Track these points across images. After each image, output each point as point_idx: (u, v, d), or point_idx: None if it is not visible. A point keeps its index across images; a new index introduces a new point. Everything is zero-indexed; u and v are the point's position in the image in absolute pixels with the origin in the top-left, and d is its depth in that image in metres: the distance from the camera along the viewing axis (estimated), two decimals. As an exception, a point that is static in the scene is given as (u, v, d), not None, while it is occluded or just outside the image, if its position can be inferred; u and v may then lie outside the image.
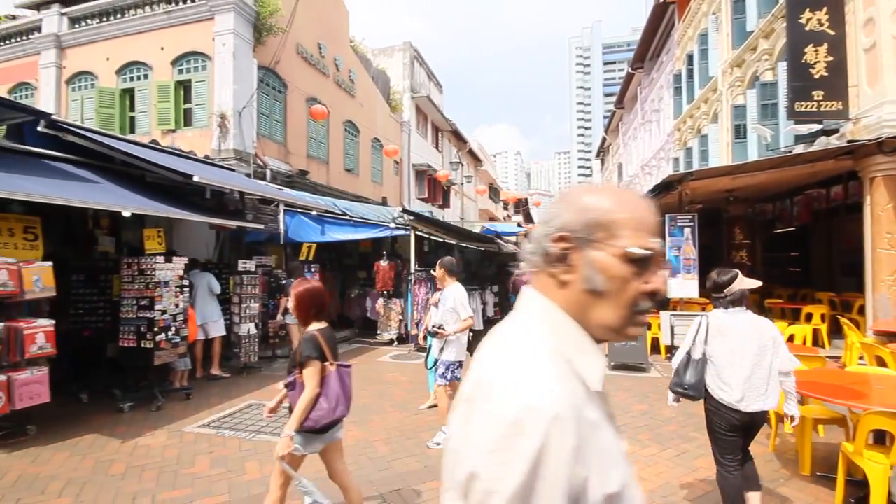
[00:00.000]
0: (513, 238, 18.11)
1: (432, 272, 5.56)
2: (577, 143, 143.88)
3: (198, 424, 4.88)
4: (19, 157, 5.13)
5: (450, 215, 22.10)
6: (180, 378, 6.03)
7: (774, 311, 9.08)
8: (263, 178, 9.71)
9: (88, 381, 5.84)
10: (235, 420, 5.03)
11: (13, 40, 11.53)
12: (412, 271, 8.93)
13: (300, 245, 8.56)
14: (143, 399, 5.46)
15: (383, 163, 16.83)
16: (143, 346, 5.40)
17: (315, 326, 2.63)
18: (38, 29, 11.01)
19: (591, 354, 0.73)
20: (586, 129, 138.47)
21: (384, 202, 15.11)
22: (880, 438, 3.39)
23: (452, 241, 10.66)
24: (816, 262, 11.53)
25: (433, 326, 4.61)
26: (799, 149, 7.75)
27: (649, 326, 8.00)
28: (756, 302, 9.79)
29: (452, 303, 4.42)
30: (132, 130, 10.16)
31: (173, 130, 9.90)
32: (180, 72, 9.98)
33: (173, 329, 5.60)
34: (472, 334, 4.89)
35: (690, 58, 14.74)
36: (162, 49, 9.99)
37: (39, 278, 4.52)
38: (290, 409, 2.52)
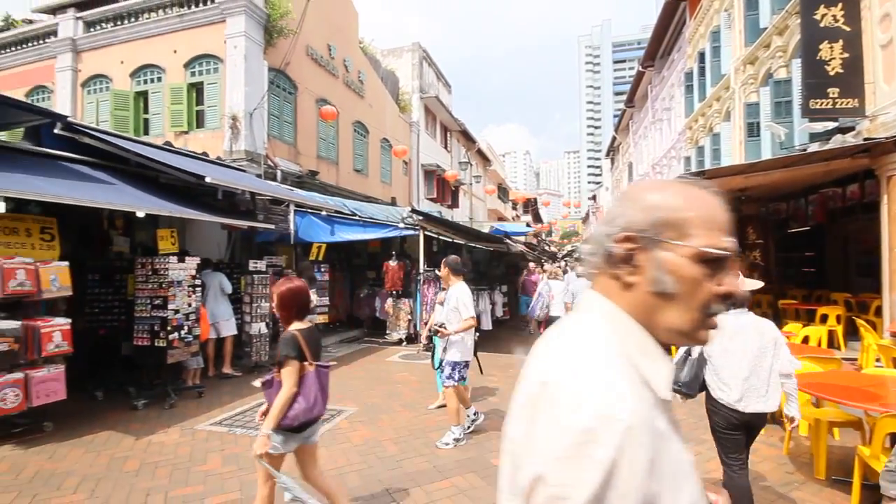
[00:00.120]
0: (521, 238, 18.06)
1: (439, 272, 5.56)
2: (586, 142, 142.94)
3: (210, 422, 4.94)
4: (36, 158, 5.23)
5: (459, 215, 22.10)
6: (193, 376, 6.11)
7: (789, 312, 8.95)
8: (274, 179, 9.79)
9: (103, 379, 5.95)
10: (247, 418, 5.08)
11: (30, 44, 11.76)
12: (421, 271, 8.95)
13: (310, 245, 8.62)
14: (156, 397, 5.55)
15: (392, 163, 16.88)
16: (156, 344, 5.49)
17: (296, 326, 2.63)
18: (55, 33, 11.22)
19: (659, 360, 0.70)
20: (596, 128, 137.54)
21: (393, 202, 15.15)
22: (898, 442, 3.33)
23: (461, 242, 10.66)
24: (832, 263, 11.33)
25: (435, 325, 4.61)
26: (814, 147, 7.62)
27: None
28: (770, 303, 9.72)
29: (455, 302, 4.37)
30: (146, 132, 10.31)
31: (186, 132, 10.03)
32: (193, 74, 10.10)
33: (186, 328, 5.68)
34: (478, 334, 4.88)
35: (702, 55, 14.57)
36: (175, 52, 10.13)
37: (56, 278, 4.60)
38: (268, 409, 2.53)
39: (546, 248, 29.83)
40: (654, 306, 0.70)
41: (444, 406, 5.04)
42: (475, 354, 4.66)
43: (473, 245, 11.97)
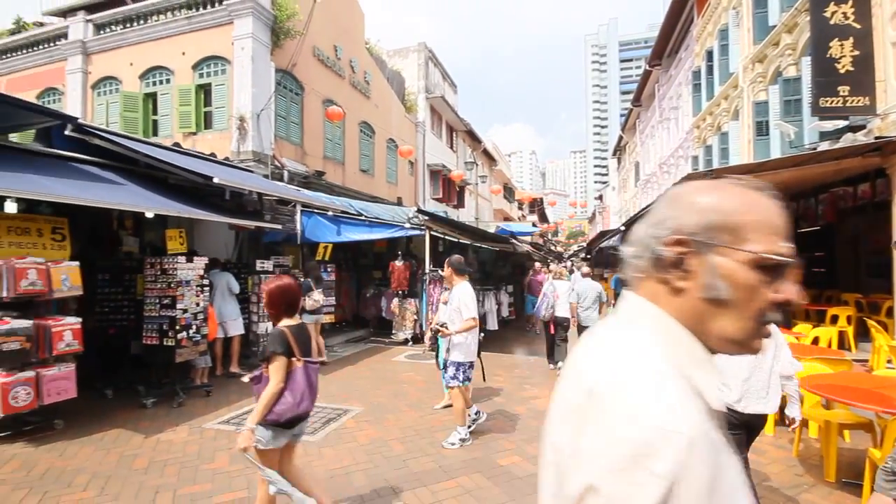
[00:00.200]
0: (527, 238, 18.02)
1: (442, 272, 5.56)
2: (592, 141, 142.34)
3: (217, 421, 4.97)
4: (47, 159, 5.30)
5: (464, 215, 22.09)
6: (201, 375, 6.15)
7: (798, 313, 8.85)
8: (281, 180, 9.85)
9: (113, 378, 6.01)
10: (254, 417, 5.11)
11: (41, 47, 11.91)
12: (427, 271, 8.96)
13: (317, 245, 8.66)
14: (165, 395, 5.60)
15: (398, 163, 16.91)
16: (165, 343, 5.54)
17: (286, 322, 2.67)
18: (65, 35, 11.36)
19: (710, 369, 0.67)
20: (602, 127, 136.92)
21: (399, 202, 15.18)
22: (910, 444, 3.28)
23: (467, 242, 10.66)
24: (842, 263, 11.19)
25: (437, 324, 4.60)
26: (824, 146, 7.54)
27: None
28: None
29: (457, 302, 4.34)
30: (155, 133, 10.42)
31: (194, 133, 10.11)
32: (201, 76, 10.18)
33: (194, 327, 5.72)
34: (483, 335, 4.86)
35: (710, 54, 14.45)
36: (183, 54, 10.22)
37: (67, 277, 4.66)
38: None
39: (552, 248, 29.75)
40: (705, 313, 0.67)
41: (449, 406, 5.04)
42: (479, 357, 4.64)
43: (479, 245, 11.97)
